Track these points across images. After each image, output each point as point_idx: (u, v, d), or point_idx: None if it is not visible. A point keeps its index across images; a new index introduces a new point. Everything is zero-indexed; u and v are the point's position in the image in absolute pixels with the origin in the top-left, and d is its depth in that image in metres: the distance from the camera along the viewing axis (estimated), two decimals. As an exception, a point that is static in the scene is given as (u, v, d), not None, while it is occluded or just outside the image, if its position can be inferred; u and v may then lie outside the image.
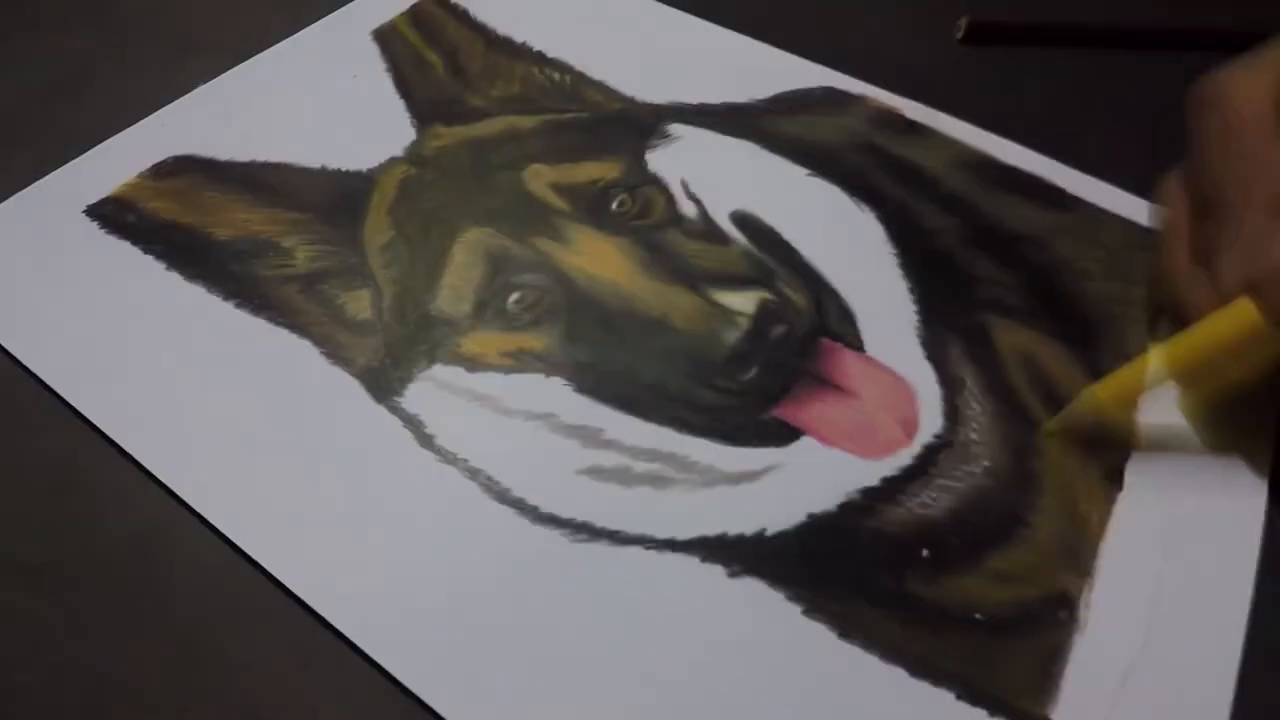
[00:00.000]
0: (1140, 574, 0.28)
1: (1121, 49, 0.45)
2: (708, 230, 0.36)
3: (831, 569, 0.28)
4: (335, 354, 0.32)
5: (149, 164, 0.38)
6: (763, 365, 0.32)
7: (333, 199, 0.37)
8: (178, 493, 0.29)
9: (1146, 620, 0.27)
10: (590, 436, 0.30)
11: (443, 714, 0.25)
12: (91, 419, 0.31)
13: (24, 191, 0.37)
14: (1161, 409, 0.31)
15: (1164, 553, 0.28)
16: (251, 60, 0.43)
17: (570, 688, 0.26)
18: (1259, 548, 0.29)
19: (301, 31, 0.45)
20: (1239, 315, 0.27)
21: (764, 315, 0.33)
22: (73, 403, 0.31)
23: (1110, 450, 0.30)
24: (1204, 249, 0.29)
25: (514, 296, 0.34)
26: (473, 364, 0.32)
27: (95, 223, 0.36)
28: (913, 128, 0.41)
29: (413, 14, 0.45)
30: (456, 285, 0.34)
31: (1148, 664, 0.26)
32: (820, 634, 0.27)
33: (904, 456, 0.30)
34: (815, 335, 0.33)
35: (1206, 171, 0.29)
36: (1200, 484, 0.30)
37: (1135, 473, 0.30)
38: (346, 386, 0.32)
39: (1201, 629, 0.27)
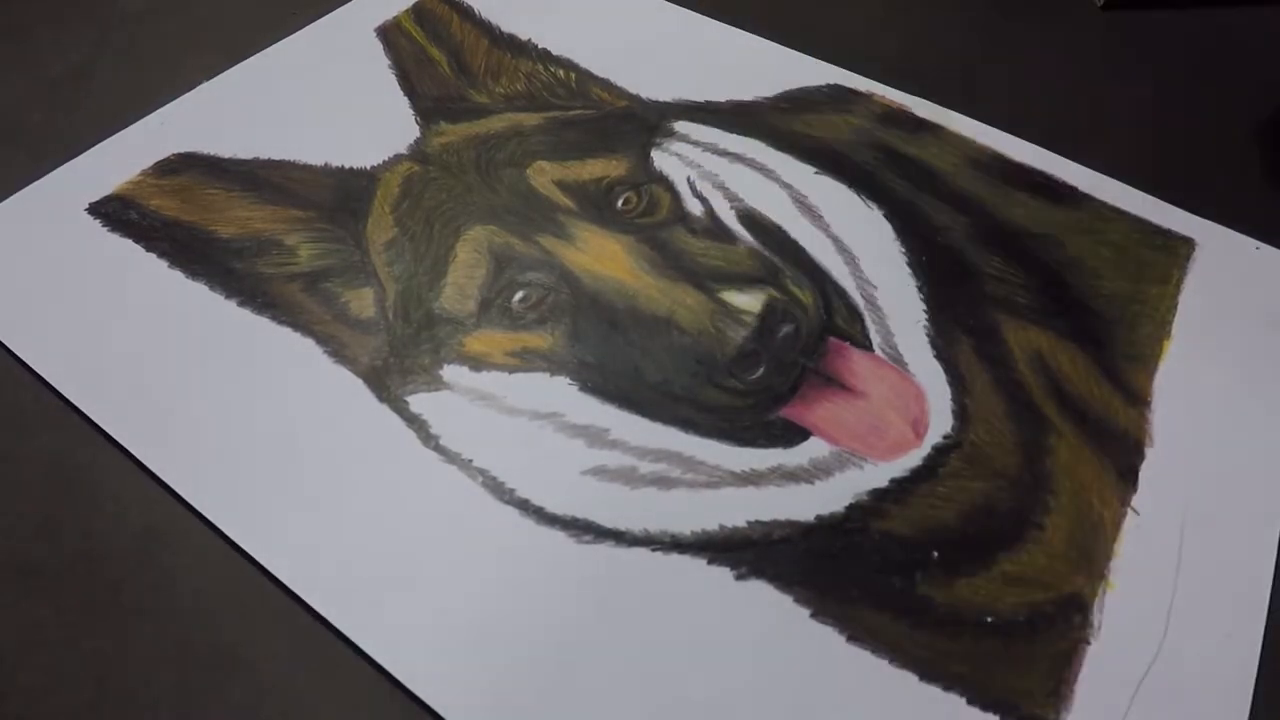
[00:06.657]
0: (1156, 576, 0.27)
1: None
2: (714, 228, 0.36)
3: (840, 571, 0.27)
4: (338, 353, 0.32)
5: (151, 162, 0.38)
6: (770, 365, 0.31)
7: (336, 196, 0.37)
8: (178, 492, 0.29)
9: (1163, 624, 0.27)
10: (595, 436, 0.30)
11: (445, 716, 0.25)
12: (92, 418, 0.30)
13: (26, 189, 0.37)
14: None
15: (1180, 554, 0.28)
16: (254, 57, 0.43)
17: (574, 689, 0.25)
18: (1277, 547, 0.28)
19: (304, 28, 0.44)
20: None
21: (771, 314, 0.32)
22: (74, 401, 0.31)
23: (1125, 448, 0.30)
24: None
25: (519, 295, 0.33)
26: (477, 363, 0.32)
27: (97, 221, 0.36)
28: (921, 125, 0.40)
29: (416, 11, 0.45)
30: (460, 283, 0.34)
31: (1163, 669, 0.26)
32: (828, 637, 0.26)
33: (913, 457, 0.30)
34: (823, 334, 0.33)
35: None
36: (1217, 483, 0.30)
37: (1150, 471, 0.30)
38: (349, 385, 0.31)
39: (1219, 633, 0.27)
